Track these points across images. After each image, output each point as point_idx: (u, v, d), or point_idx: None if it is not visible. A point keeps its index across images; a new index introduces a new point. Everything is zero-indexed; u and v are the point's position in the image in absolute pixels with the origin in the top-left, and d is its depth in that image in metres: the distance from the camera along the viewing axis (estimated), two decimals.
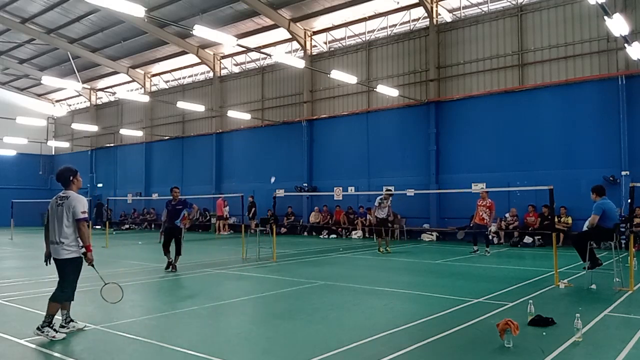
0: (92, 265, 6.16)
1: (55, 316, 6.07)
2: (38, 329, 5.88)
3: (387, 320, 6.73)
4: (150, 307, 7.97)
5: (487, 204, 14.47)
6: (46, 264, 6.29)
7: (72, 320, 6.27)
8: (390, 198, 15.68)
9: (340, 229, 22.40)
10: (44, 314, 6.01)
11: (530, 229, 17.34)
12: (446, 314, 6.94)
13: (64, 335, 5.97)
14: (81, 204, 6.06)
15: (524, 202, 17.86)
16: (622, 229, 12.00)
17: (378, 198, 15.66)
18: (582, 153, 17.41)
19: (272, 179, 10.21)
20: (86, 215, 6.06)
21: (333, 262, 13.52)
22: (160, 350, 5.50)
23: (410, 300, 8.23)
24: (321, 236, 22.57)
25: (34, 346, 5.59)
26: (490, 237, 18.01)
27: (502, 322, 5.46)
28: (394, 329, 6.17)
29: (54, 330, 5.93)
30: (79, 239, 6.05)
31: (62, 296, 6.06)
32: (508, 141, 18.98)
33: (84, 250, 6.07)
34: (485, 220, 14.49)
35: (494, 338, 5.52)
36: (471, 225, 15.87)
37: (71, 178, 6.23)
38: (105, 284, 6.61)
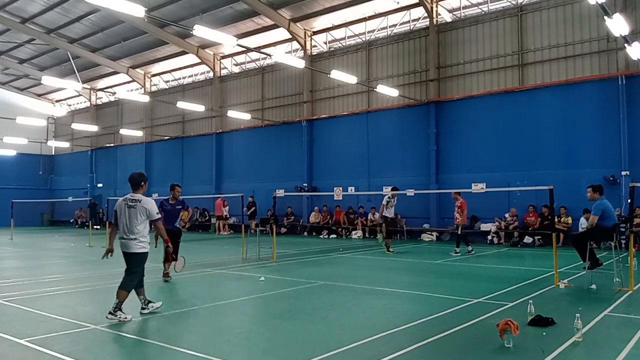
0: (171, 253, 7.91)
1: (122, 301, 6.75)
2: (110, 313, 6.60)
3: (387, 320, 6.73)
4: None
5: (458, 204, 14.62)
6: (104, 258, 7.06)
7: (150, 302, 7.13)
8: (395, 198, 15.59)
9: (340, 229, 22.40)
10: (116, 301, 6.70)
11: (530, 229, 17.33)
12: (446, 314, 6.94)
13: (131, 317, 6.75)
14: (154, 206, 7.03)
15: (524, 202, 17.84)
16: (622, 229, 12.04)
17: (386, 197, 15.47)
18: (582, 153, 17.40)
19: (261, 278, 10.23)
20: (159, 215, 7.12)
21: (333, 262, 13.51)
22: (160, 350, 5.50)
23: (410, 300, 8.23)
24: (321, 236, 22.57)
25: (34, 346, 5.58)
26: (490, 237, 18.12)
27: (502, 322, 5.45)
28: (394, 329, 6.17)
29: (124, 312, 6.70)
30: (148, 235, 7.00)
31: (131, 284, 6.87)
32: (508, 141, 18.97)
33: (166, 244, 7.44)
34: (458, 220, 14.59)
35: (494, 338, 5.51)
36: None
37: (142, 183, 7.13)
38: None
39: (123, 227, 6.88)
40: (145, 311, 7.01)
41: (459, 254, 14.37)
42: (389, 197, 15.32)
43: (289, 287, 9.39)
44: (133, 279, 6.88)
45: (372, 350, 5.34)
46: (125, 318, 6.66)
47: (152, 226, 7.16)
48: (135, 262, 6.87)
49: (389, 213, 15.32)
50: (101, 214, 32.76)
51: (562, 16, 18.24)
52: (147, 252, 6.97)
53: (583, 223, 15.25)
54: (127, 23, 25.23)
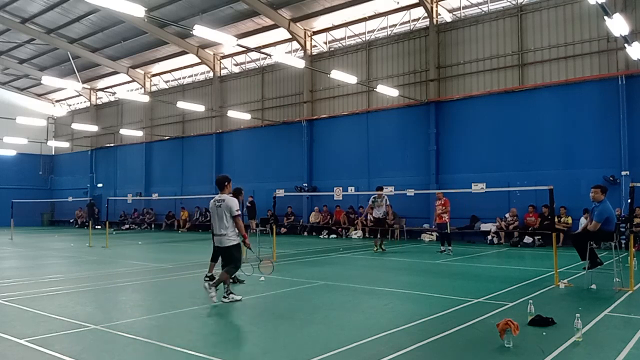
0: (250, 248, 8.25)
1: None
2: (224, 297, 7.76)
3: (387, 320, 6.73)
4: (150, 307, 7.97)
5: (442, 203, 14.78)
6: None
7: (232, 293, 7.89)
8: (385, 197, 15.61)
9: (340, 229, 22.39)
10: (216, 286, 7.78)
11: (530, 229, 17.33)
12: (446, 314, 6.94)
13: (241, 297, 7.97)
14: (235, 204, 7.90)
15: (524, 202, 17.84)
16: (622, 229, 12.03)
17: (371, 198, 15.67)
18: (582, 153, 17.40)
19: (261, 278, 10.30)
20: (239, 212, 7.93)
21: (333, 262, 13.51)
22: (160, 350, 5.49)
23: (410, 300, 8.23)
24: (321, 236, 22.56)
25: (34, 346, 5.58)
26: (490, 237, 18.12)
27: (502, 322, 5.45)
28: (394, 329, 6.17)
29: (235, 294, 7.89)
30: (236, 230, 7.91)
31: (232, 271, 8.02)
32: (508, 141, 18.97)
33: (242, 238, 7.96)
34: (443, 219, 14.74)
35: (494, 338, 5.51)
36: (434, 226, 16.09)
37: (226, 184, 8.09)
38: (261, 261, 9.27)
39: (215, 225, 7.96)
40: (226, 300, 7.74)
41: (451, 252, 14.66)
42: (374, 198, 15.48)
43: (289, 287, 9.39)
44: (231, 268, 7.94)
45: (372, 350, 5.34)
46: (239, 299, 7.83)
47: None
48: (230, 254, 7.91)
49: (376, 214, 15.50)
50: (96, 213, 32.69)
51: (562, 16, 18.24)
52: (238, 243, 7.96)
53: (583, 222, 15.23)
54: (127, 23, 25.23)
